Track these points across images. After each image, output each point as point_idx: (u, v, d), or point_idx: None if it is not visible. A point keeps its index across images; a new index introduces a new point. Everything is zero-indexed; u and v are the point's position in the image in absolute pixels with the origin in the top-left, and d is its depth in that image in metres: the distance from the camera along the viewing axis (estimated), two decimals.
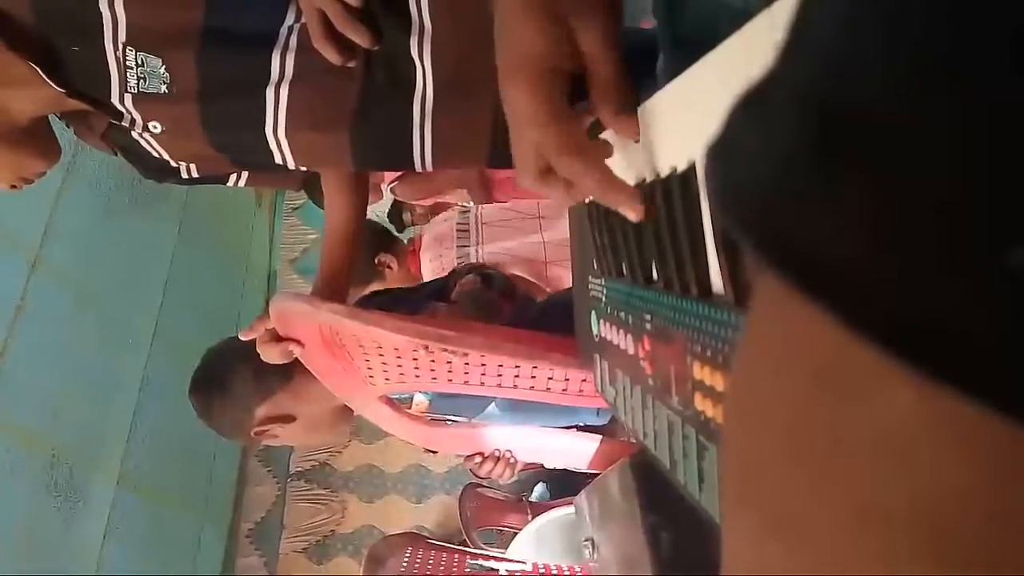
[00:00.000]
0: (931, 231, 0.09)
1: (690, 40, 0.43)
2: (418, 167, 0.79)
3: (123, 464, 1.92)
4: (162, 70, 0.74)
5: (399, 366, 0.94)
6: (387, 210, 2.18)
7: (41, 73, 0.72)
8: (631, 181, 0.44)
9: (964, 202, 0.09)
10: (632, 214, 0.42)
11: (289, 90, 0.75)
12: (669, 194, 0.38)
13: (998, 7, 0.09)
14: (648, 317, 0.44)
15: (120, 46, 0.73)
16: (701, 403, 0.36)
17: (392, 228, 2.08)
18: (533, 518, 1.55)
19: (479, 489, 1.93)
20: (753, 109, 0.13)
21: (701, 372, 0.36)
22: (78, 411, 1.76)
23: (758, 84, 0.13)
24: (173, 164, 0.87)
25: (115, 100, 0.77)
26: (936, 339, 0.09)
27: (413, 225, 2.20)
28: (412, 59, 0.73)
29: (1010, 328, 0.09)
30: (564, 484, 1.78)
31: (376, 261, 1.71)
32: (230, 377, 1.09)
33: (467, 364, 0.89)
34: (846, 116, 0.10)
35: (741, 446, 0.14)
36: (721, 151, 0.13)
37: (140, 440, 1.98)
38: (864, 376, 0.11)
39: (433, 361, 0.90)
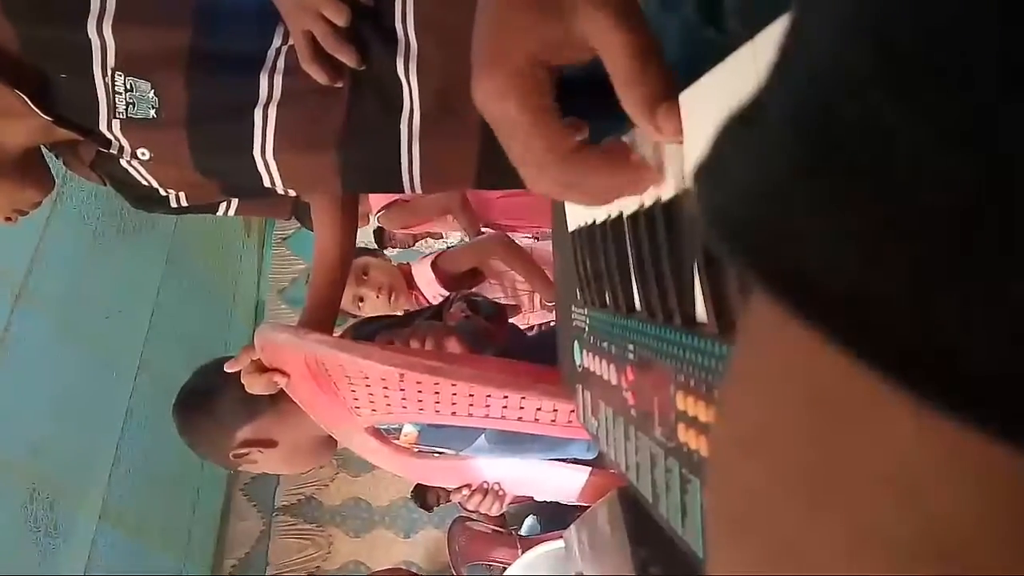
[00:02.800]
0: (932, 252, 0.09)
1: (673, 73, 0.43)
2: (407, 189, 0.79)
3: (105, 498, 1.88)
4: (151, 94, 0.75)
5: (386, 397, 0.93)
6: (371, 234, 2.20)
7: (29, 102, 0.72)
8: (611, 212, 0.44)
9: (967, 223, 0.09)
10: (650, 187, 0.36)
11: (277, 111, 0.76)
12: (653, 223, 0.38)
13: (989, 23, 0.09)
14: (631, 347, 0.44)
15: (109, 71, 0.73)
16: (684, 434, 0.36)
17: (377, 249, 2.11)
18: (523, 552, 1.52)
19: (468, 523, 1.90)
20: (742, 129, 0.13)
21: (684, 403, 0.36)
22: (60, 443, 1.74)
23: (747, 105, 0.13)
24: (162, 192, 0.87)
25: (103, 127, 0.77)
26: (939, 365, 0.09)
27: (394, 249, 2.22)
28: (399, 79, 0.74)
29: (1016, 354, 0.09)
30: (554, 518, 1.76)
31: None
32: (216, 397, 1.08)
33: (454, 395, 0.89)
34: (839, 135, 0.10)
35: (733, 475, 0.14)
36: (710, 172, 0.13)
37: (123, 473, 1.95)
38: (864, 404, 0.10)
39: (420, 392, 0.90)
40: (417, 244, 2.33)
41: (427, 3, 0.73)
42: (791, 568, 0.12)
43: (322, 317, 0.98)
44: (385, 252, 2.09)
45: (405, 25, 0.73)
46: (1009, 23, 0.09)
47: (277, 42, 0.75)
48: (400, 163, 0.77)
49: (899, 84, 0.09)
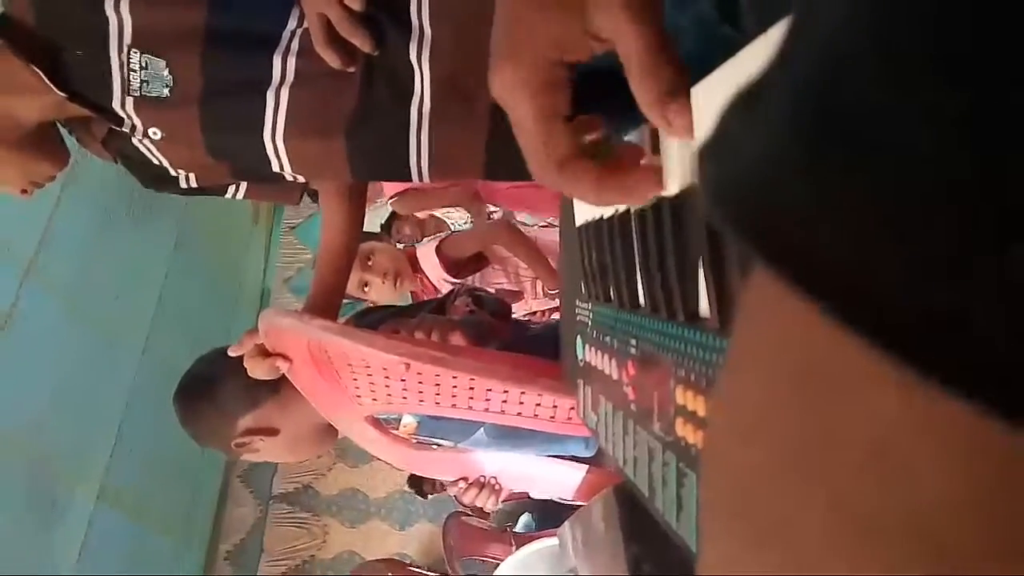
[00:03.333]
0: (929, 226, 0.09)
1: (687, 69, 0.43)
2: (415, 178, 0.79)
3: (104, 479, 1.89)
4: (165, 72, 0.75)
5: (387, 386, 0.93)
6: (382, 222, 2.21)
7: (44, 78, 0.73)
8: (619, 207, 0.44)
9: (964, 196, 0.09)
10: (652, 192, 0.36)
11: (289, 93, 0.76)
12: (660, 219, 0.38)
13: (996, 7, 0.09)
14: (633, 342, 0.44)
15: (125, 48, 0.74)
16: (682, 429, 0.36)
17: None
18: (517, 549, 1.52)
19: (464, 518, 1.90)
20: (747, 108, 0.13)
21: (684, 397, 0.36)
22: (62, 421, 1.74)
23: (752, 84, 0.13)
24: (172, 172, 0.88)
25: (116, 105, 0.77)
26: (938, 339, 0.09)
27: (401, 244, 2.23)
28: (411, 65, 0.74)
29: (1012, 327, 0.09)
30: (550, 516, 1.76)
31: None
32: (218, 384, 1.08)
33: (455, 387, 0.89)
34: (841, 112, 0.10)
35: (727, 461, 0.14)
36: (714, 149, 0.13)
37: (124, 455, 1.96)
38: (853, 379, 0.11)
39: (421, 383, 0.90)
40: (425, 239, 2.34)
41: None
42: (775, 550, 0.12)
43: (327, 303, 0.98)
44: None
45: (420, 13, 0.73)
46: (1010, 14, 0.09)
47: (292, 24, 0.76)
48: (408, 151, 0.77)
49: (897, 65, 0.10)
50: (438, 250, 1.78)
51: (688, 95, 0.32)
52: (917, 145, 0.09)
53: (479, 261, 1.83)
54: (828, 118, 0.10)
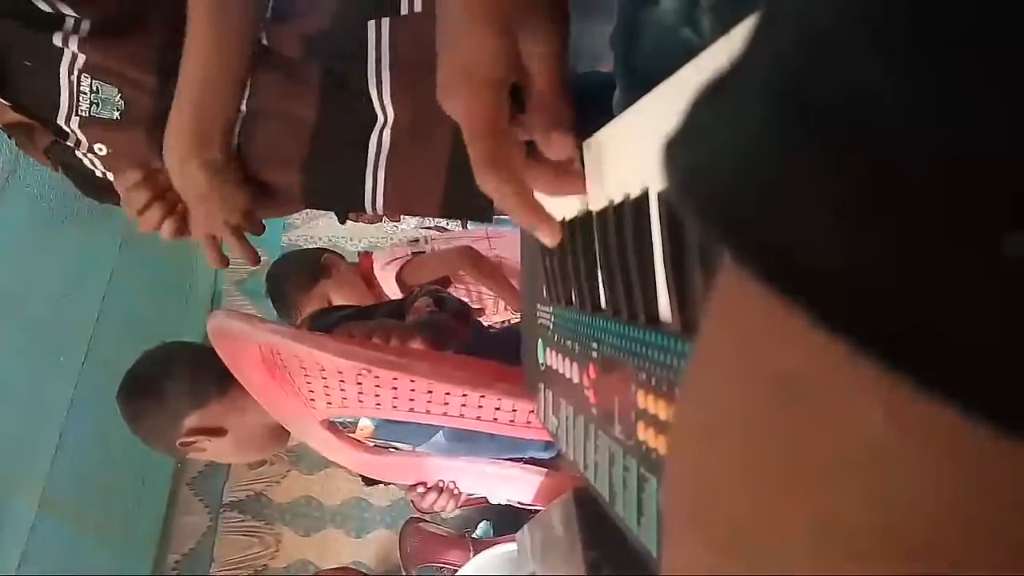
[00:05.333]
0: (918, 219, 0.08)
1: (646, 72, 0.43)
2: (368, 209, 0.78)
3: (46, 487, 1.82)
4: (117, 97, 0.73)
5: (342, 391, 0.91)
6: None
7: None
8: (580, 210, 0.44)
9: (957, 185, 0.08)
10: (547, 239, 0.43)
11: (242, 127, 0.74)
12: (621, 220, 0.38)
13: None
14: (595, 345, 0.44)
15: (76, 71, 0.71)
16: (644, 433, 0.36)
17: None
18: (476, 555, 1.51)
19: (421, 524, 1.88)
20: (716, 98, 0.12)
21: (645, 401, 0.36)
22: (1, 428, 1.67)
23: (720, 75, 0.12)
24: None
25: (61, 121, 0.74)
26: (923, 343, 0.08)
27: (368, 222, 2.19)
28: (371, 100, 0.73)
29: (1005, 328, 0.08)
30: (508, 522, 1.76)
31: (322, 260, 1.70)
32: (162, 382, 1.05)
33: (413, 391, 0.88)
34: (818, 97, 0.10)
35: (690, 461, 0.13)
36: (682, 142, 0.12)
37: (66, 462, 1.89)
38: (831, 387, 0.10)
39: (378, 387, 0.88)
40: (386, 263, 2.31)
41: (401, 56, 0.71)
42: (747, 558, 0.11)
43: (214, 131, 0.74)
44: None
45: (380, 59, 0.71)
46: None
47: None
48: (364, 187, 0.76)
49: (880, 43, 0.09)
50: (399, 277, 1.75)
51: (570, 129, 0.41)
52: (907, 129, 0.09)
53: (441, 284, 1.81)
54: (806, 101, 0.10)
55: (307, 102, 0.72)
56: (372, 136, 0.74)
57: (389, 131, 0.73)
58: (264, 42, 0.73)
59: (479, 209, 0.74)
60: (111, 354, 2.02)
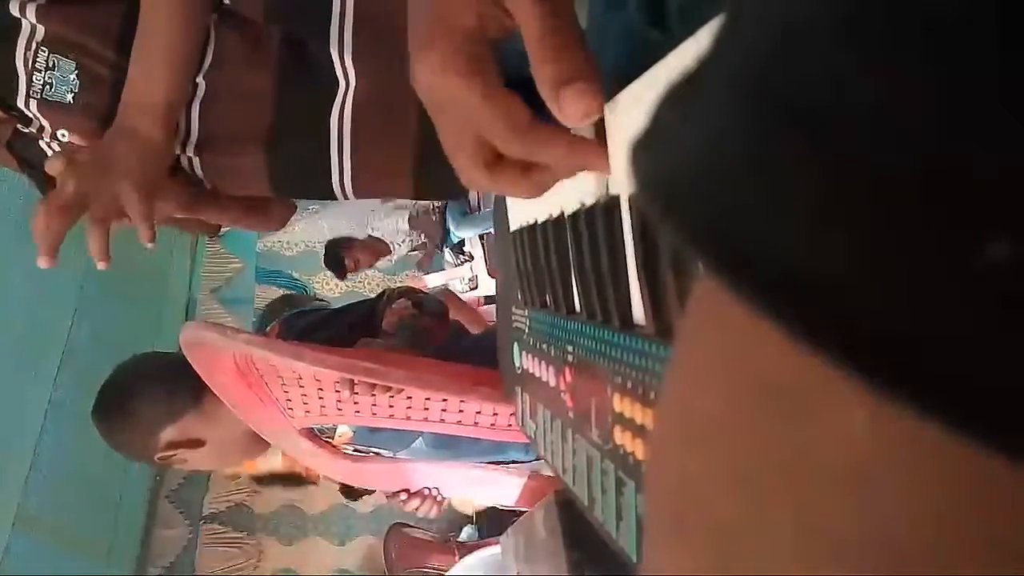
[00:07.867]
0: (894, 223, 0.08)
1: (616, 73, 0.43)
2: (338, 194, 0.77)
3: (21, 503, 1.78)
4: (72, 76, 0.71)
5: (320, 399, 0.90)
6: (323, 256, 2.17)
7: None
8: (552, 212, 0.44)
9: (932, 189, 0.08)
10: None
11: (200, 107, 0.73)
12: (592, 223, 0.38)
13: None
14: (570, 349, 0.44)
15: (34, 45, 0.70)
16: (621, 437, 0.36)
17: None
18: (461, 559, 1.51)
19: (406, 529, 1.87)
20: (683, 97, 0.12)
21: (622, 405, 0.35)
22: None
23: (687, 74, 0.12)
24: None
25: (20, 103, 0.73)
26: (896, 352, 0.08)
27: (355, 271, 2.20)
28: (332, 62, 0.71)
29: (981, 341, 0.08)
30: (493, 525, 1.75)
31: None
32: (135, 398, 1.03)
33: (392, 398, 0.87)
34: (785, 94, 0.09)
35: (672, 468, 0.13)
36: (648, 142, 0.12)
37: (41, 477, 1.85)
38: (814, 393, 0.10)
39: (357, 394, 0.87)
40: None
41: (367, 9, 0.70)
42: (731, 566, 0.11)
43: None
44: None
45: (343, 23, 0.70)
46: None
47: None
48: (331, 166, 0.74)
49: (851, 35, 0.09)
50: None
51: (591, 81, 0.30)
52: (882, 128, 0.08)
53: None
54: (777, 97, 0.09)
55: (265, 71, 0.71)
56: (334, 107, 0.72)
57: (351, 99, 0.72)
58: (226, 1, 0.72)
59: (455, 188, 0.72)
60: (86, 364, 1.98)
